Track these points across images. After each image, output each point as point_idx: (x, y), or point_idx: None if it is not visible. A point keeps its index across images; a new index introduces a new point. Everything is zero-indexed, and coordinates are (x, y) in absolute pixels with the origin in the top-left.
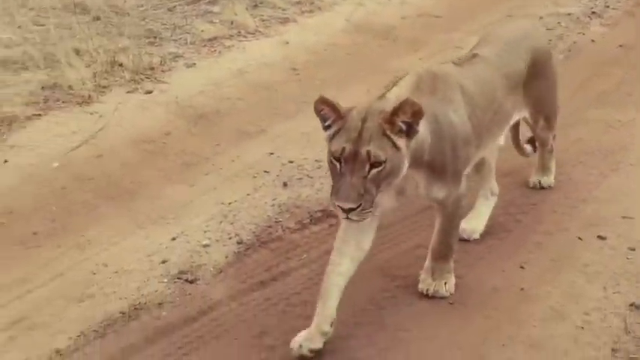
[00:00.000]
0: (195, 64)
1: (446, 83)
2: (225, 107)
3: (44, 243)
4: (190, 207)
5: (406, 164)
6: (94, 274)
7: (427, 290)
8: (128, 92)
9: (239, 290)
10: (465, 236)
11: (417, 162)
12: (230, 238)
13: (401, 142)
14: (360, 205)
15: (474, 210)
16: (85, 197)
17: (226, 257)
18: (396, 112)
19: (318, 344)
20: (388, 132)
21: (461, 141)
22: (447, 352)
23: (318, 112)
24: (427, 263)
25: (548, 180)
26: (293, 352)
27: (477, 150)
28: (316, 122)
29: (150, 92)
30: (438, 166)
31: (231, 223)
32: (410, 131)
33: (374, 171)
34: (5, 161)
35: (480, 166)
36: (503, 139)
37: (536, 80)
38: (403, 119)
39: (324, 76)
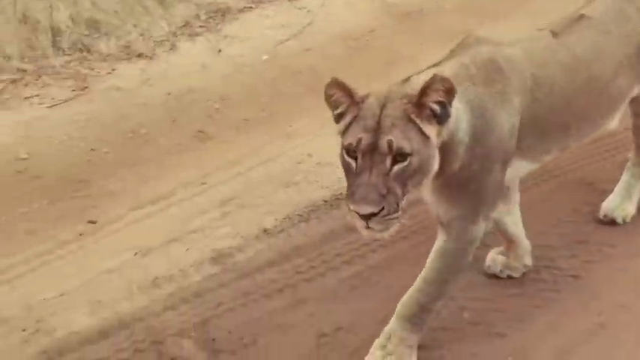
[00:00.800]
0: None
1: (509, 76)
2: (429, 7)
3: (254, 130)
4: None
5: (437, 158)
6: (299, 163)
7: None
8: None
9: None
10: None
11: (441, 171)
12: None
13: (430, 129)
14: (383, 208)
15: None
16: (293, 89)
17: None
18: (425, 91)
19: (517, 274)
20: (414, 117)
21: (500, 153)
22: None
23: (328, 98)
24: (388, 326)
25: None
26: (489, 269)
27: (561, 142)
28: (527, 21)
29: None
30: (459, 176)
31: None
32: (443, 115)
33: (398, 166)
34: (219, 51)
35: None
36: (616, 121)
37: None
38: (435, 99)
39: None
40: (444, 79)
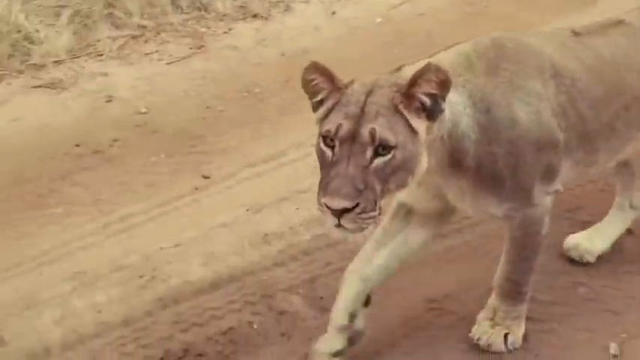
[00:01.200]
0: None
1: (520, 60)
2: None
3: None
4: None
5: (425, 158)
6: None
7: (479, 339)
8: None
9: None
10: (576, 256)
11: (456, 165)
12: None
13: (419, 123)
14: (358, 204)
15: (602, 222)
16: (407, 53)
17: None
18: (415, 81)
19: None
20: (402, 108)
21: (529, 144)
22: None
23: (307, 84)
24: (490, 300)
25: None
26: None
27: (588, 156)
28: None
29: None
30: (487, 173)
31: None
32: (434, 109)
33: (379, 159)
34: (333, 13)
35: (621, 167)
36: None
37: None
38: (426, 91)
39: None
40: (438, 70)
